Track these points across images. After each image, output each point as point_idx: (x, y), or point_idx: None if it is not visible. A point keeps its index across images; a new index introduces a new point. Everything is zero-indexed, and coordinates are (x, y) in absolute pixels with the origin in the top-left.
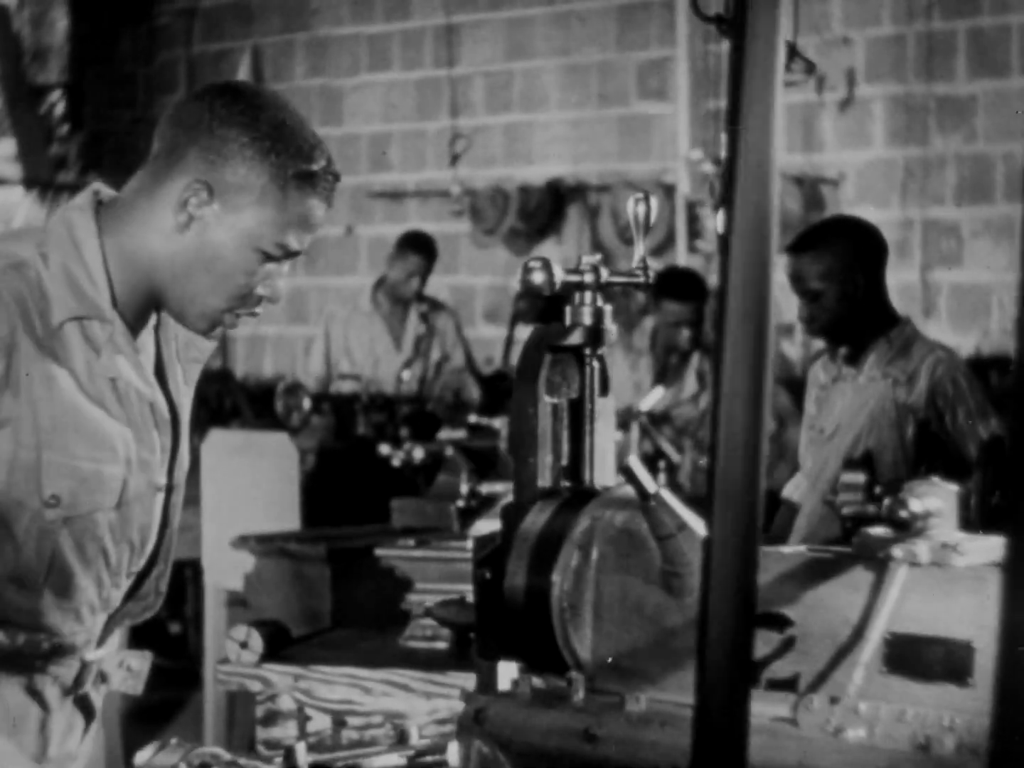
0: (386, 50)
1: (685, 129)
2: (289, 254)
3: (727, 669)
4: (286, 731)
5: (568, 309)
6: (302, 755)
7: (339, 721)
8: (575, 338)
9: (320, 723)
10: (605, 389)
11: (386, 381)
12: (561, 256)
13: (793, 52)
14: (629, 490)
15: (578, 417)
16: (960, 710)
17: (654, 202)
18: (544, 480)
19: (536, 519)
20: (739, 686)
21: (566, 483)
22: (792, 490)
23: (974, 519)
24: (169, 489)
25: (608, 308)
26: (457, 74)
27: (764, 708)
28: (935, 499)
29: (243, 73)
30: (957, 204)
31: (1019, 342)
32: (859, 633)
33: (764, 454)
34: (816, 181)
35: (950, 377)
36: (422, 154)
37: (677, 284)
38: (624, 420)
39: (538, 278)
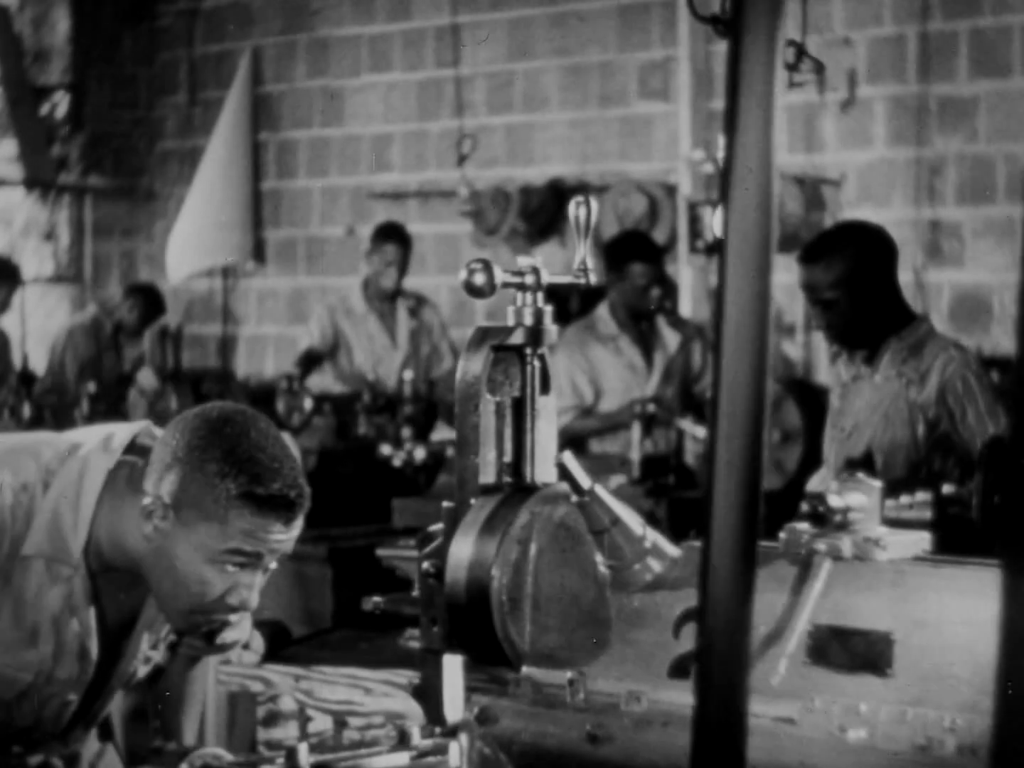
0: (387, 51)
1: (686, 129)
2: (251, 565)
3: (726, 670)
4: (287, 732)
5: (510, 309)
6: (304, 756)
7: (340, 722)
8: (517, 337)
9: (321, 724)
10: (546, 388)
11: (388, 379)
12: (563, 256)
13: (801, 52)
14: (567, 486)
15: (520, 415)
16: (879, 700)
17: (594, 204)
18: (487, 476)
19: (477, 514)
20: (738, 686)
21: (508, 479)
22: (817, 484)
23: (975, 519)
24: (89, 702)
25: (549, 309)
26: (459, 75)
27: (764, 709)
28: (858, 495)
29: (241, 74)
30: (958, 204)
31: (1020, 342)
32: (783, 625)
33: (764, 455)
34: (817, 181)
35: (960, 375)
36: (423, 155)
37: (639, 246)
38: (626, 420)
39: (479, 279)
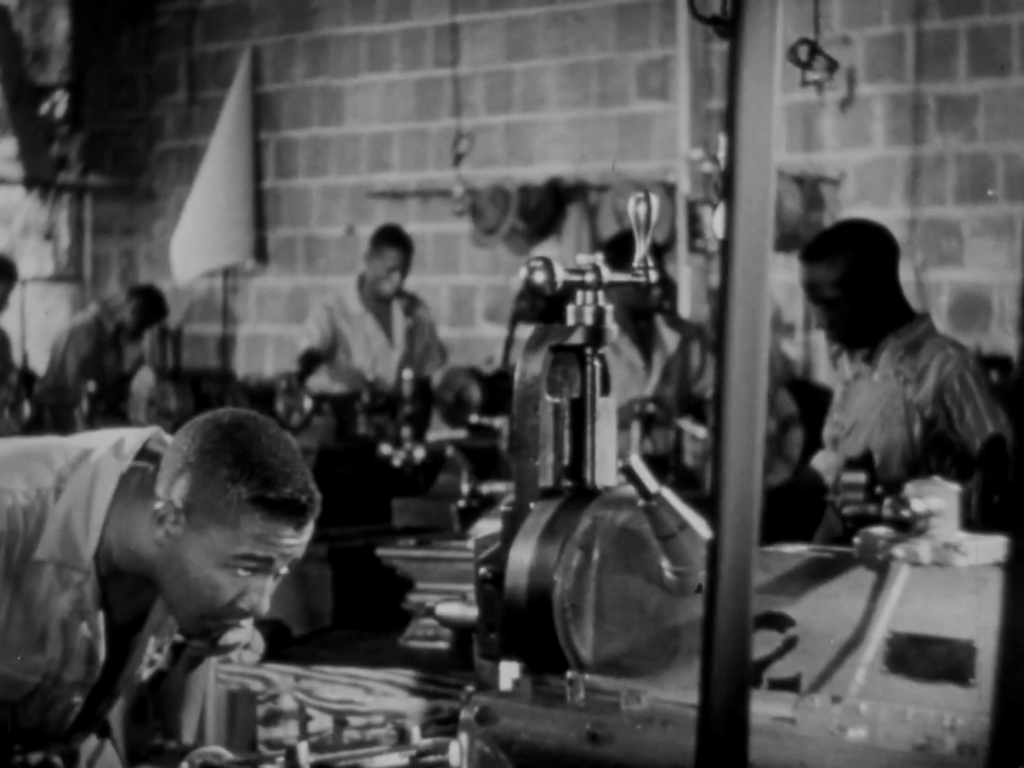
0: (386, 50)
1: (685, 129)
2: (262, 569)
3: (729, 669)
4: (287, 731)
5: (570, 309)
6: (304, 755)
7: (340, 721)
8: (576, 338)
9: (321, 723)
10: (606, 389)
11: (386, 378)
12: (561, 256)
13: (815, 50)
14: (630, 490)
15: (579, 417)
16: (961, 710)
17: (655, 201)
18: (546, 480)
19: (538, 519)
20: (740, 686)
21: (567, 483)
22: (820, 460)
23: (975, 518)
24: (93, 704)
25: (609, 308)
26: (458, 74)
27: (766, 708)
28: (937, 499)
29: (241, 74)
30: (957, 203)
31: (1022, 341)
32: (861, 633)
33: (762, 454)
34: (816, 180)
35: (958, 374)
36: (423, 154)
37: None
38: (625, 420)
39: (540, 278)
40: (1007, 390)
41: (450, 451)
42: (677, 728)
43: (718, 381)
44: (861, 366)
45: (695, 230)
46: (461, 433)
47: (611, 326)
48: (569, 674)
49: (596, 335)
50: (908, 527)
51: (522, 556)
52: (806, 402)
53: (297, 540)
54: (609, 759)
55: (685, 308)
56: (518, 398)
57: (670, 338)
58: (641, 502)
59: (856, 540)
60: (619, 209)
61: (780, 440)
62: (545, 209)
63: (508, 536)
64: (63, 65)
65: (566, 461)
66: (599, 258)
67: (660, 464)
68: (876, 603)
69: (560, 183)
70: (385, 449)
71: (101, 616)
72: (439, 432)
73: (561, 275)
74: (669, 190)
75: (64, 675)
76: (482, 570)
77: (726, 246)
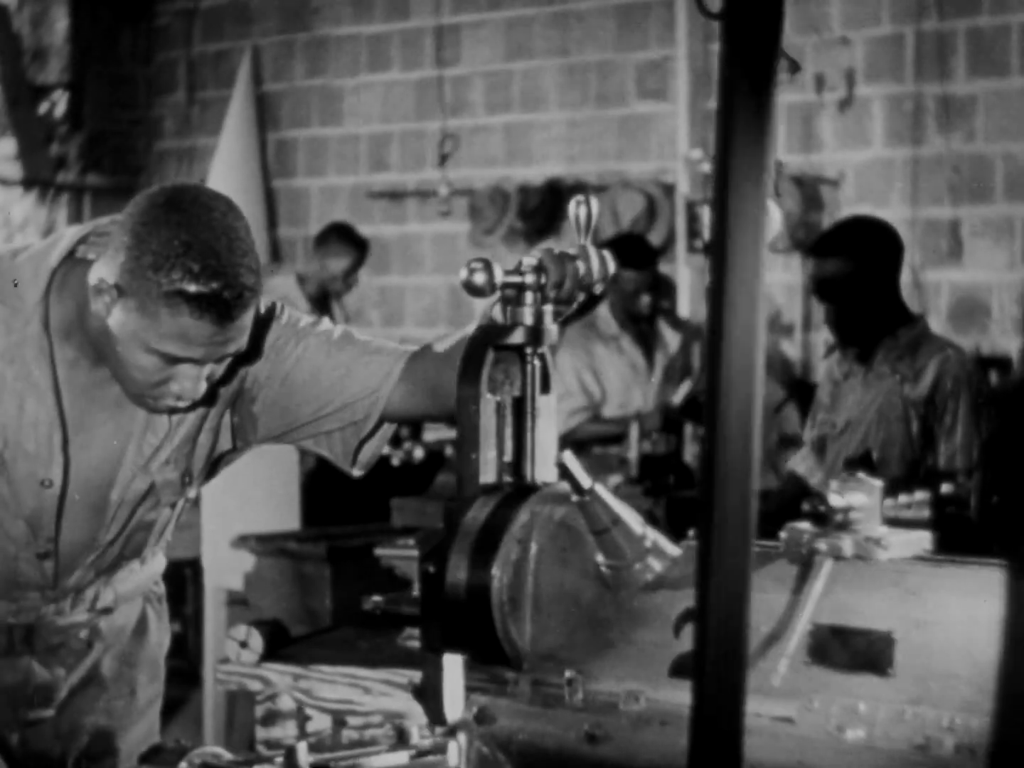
0: (385, 50)
1: (684, 129)
2: (188, 361)
3: (723, 669)
4: (286, 731)
5: (509, 309)
6: (303, 755)
7: (339, 721)
8: (517, 337)
9: (320, 723)
10: (546, 387)
11: None
12: None
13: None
14: (567, 485)
15: (520, 414)
16: (879, 700)
17: (595, 203)
18: (487, 476)
19: (478, 514)
20: (735, 686)
21: (508, 479)
22: (799, 462)
23: (974, 519)
24: (64, 487)
25: (548, 308)
26: (455, 74)
27: (765, 708)
28: (859, 494)
29: (243, 73)
30: (955, 204)
31: None
32: (784, 625)
33: (757, 454)
34: (815, 181)
35: (953, 375)
36: (421, 154)
37: (629, 252)
38: (623, 426)
39: (479, 279)
40: (1008, 390)
41: (449, 450)
42: (675, 728)
43: (710, 384)
44: (853, 365)
45: (694, 230)
46: None
47: (550, 326)
48: (568, 674)
49: (536, 335)
50: (830, 521)
51: (462, 550)
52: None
53: (223, 336)
54: (608, 759)
55: (684, 308)
56: (460, 396)
57: (671, 338)
58: (575, 497)
59: (781, 534)
60: (618, 209)
61: (777, 456)
62: (544, 209)
63: (449, 531)
64: (63, 65)
65: (507, 457)
66: (538, 259)
67: (660, 463)
68: (799, 596)
69: (559, 183)
70: (384, 448)
71: (48, 373)
72: (436, 432)
73: (500, 276)
74: (668, 190)
75: (16, 464)
76: (424, 564)
77: (719, 247)
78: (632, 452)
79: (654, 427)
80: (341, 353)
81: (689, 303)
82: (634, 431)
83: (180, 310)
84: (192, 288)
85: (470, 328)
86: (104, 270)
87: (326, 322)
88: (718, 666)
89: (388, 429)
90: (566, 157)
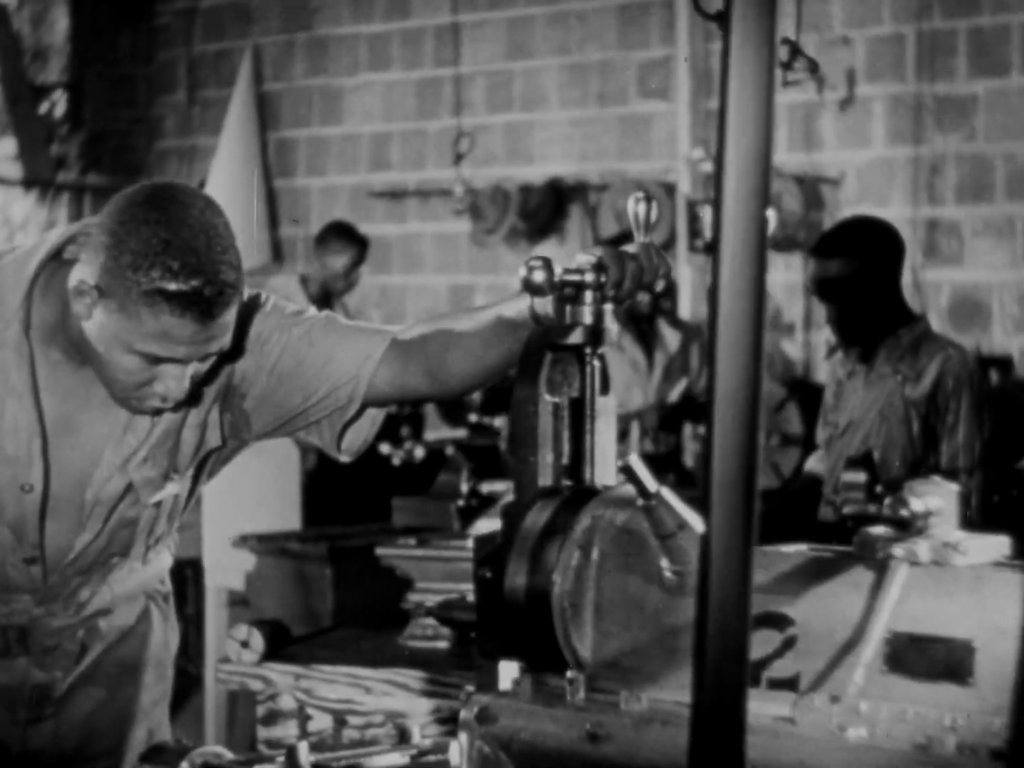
0: (386, 49)
1: (686, 128)
2: (171, 361)
3: (725, 668)
4: (287, 731)
5: (568, 308)
6: (304, 755)
7: (340, 721)
8: (576, 337)
9: (321, 723)
10: (606, 388)
11: None
12: (562, 255)
13: (796, 51)
14: (630, 489)
15: (579, 416)
16: (961, 709)
17: (654, 201)
18: (545, 479)
19: (537, 518)
20: (737, 685)
21: (567, 482)
22: (815, 463)
23: (975, 518)
24: (46, 491)
25: (609, 307)
26: (458, 73)
27: (765, 708)
28: (936, 498)
29: (244, 73)
30: (957, 203)
31: None
32: (860, 632)
33: (760, 452)
34: (816, 180)
35: (954, 375)
36: (422, 154)
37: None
38: (624, 424)
39: (538, 277)
40: (1008, 391)
41: (450, 451)
42: (677, 728)
43: (710, 383)
44: (856, 365)
45: (695, 230)
46: (461, 432)
47: (611, 325)
48: (569, 674)
49: (595, 334)
50: (907, 526)
51: (521, 556)
52: (813, 420)
53: (205, 335)
54: (609, 759)
55: (685, 308)
56: (517, 397)
57: (671, 338)
58: (640, 501)
59: (855, 539)
60: (619, 209)
61: (778, 455)
62: (545, 209)
63: (507, 535)
64: (63, 65)
65: (565, 460)
66: (599, 256)
67: (660, 463)
68: (875, 602)
69: (560, 183)
70: (385, 448)
71: (27, 376)
72: (435, 432)
73: (560, 274)
74: (669, 190)
75: (4, 444)
76: (481, 570)
77: (719, 246)
78: (632, 451)
79: (652, 425)
80: (324, 340)
81: (690, 303)
82: (635, 430)
83: (161, 309)
84: (172, 286)
85: (479, 308)
86: (84, 271)
87: (311, 311)
88: (719, 665)
89: (377, 414)
90: (567, 157)
